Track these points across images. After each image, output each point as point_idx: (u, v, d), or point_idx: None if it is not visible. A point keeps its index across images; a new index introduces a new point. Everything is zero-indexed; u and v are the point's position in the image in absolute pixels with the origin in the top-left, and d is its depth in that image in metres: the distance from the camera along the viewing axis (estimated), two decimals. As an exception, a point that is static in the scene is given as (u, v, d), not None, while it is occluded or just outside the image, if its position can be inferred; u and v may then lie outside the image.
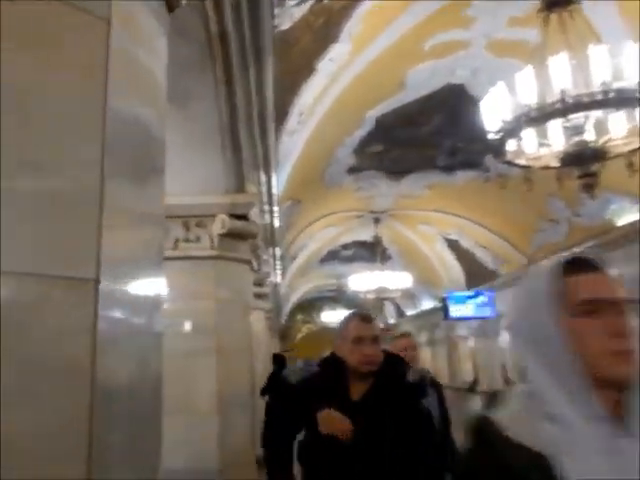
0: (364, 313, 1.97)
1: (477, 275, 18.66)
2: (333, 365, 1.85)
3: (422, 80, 9.62)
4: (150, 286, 1.12)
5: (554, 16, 5.83)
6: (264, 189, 7.04)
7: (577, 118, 5.64)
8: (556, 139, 6.02)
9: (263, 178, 5.96)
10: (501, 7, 7.82)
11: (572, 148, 5.76)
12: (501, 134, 5.84)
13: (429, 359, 24.78)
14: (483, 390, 19.78)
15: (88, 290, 0.81)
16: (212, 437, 3.24)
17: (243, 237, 3.65)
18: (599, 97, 5.04)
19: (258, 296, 6.50)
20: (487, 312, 11.19)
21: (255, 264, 3.97)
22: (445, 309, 10.93)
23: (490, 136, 6.04)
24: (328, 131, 10.13)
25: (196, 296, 3.38)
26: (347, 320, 1.94)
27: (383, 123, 11.09)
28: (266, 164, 5.52)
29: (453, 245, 19.40)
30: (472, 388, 21.36)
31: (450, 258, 20.33)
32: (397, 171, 14.56)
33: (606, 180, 10.89)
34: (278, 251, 11.96)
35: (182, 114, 3.19)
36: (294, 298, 33.34)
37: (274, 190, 7.53)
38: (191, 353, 3.38)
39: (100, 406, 0.80)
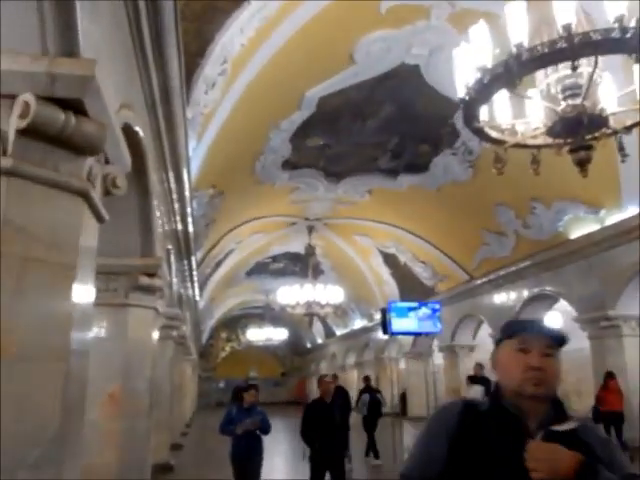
0: None
1: (412, 292, 17.57)
2: None
3: (374, 54, 8.27)
4: None
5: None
6: (167, 153, 5.24)
7: (570, 77, 4.42)
8: (536, 109, 4.78)
9: (163, 125, 4.11)
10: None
11: (567, 113, 4.48)
12: (476, 88, 4.44)
13: (355, 381, 23.49)
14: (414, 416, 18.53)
15: None
16: None
17: (70, 144, 1.88)
18: (616, 34, 3.77)
19: (144, 289, 4.58)
20: (433, 327, 9.84)
21: (102, 210, 2.13)
22: (385, 323, 9.46)
23: (461, 93, 4.66)
24: (260, 104, 8.51)
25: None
26: None
27: (326, 107, 9.64)
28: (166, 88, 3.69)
29: (389, 259, 18.27)
30: (402, 412, 20.14)
31: (385, 273, 19.19)
32: (337, 171, 13.17)
33: (561, 185, 9.95)
34: (194, 260, 9.99)
35: None
36: (217, 314, 30.95)
37: (185, 171, 5.59)
38: None
39: None
